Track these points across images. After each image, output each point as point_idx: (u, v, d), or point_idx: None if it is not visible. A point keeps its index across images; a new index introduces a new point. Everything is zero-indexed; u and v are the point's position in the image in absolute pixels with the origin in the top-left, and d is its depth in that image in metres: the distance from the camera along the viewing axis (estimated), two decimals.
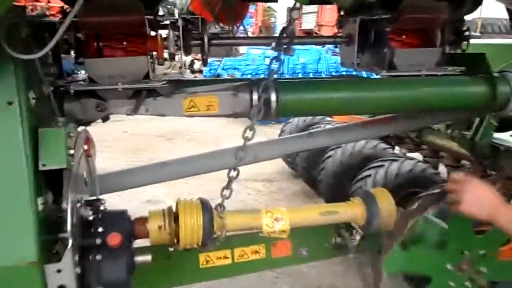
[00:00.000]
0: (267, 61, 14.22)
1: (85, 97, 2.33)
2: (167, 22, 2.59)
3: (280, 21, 31.79)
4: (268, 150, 2.94)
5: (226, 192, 2.33)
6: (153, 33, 2.52)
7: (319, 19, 25.45)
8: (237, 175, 2.32)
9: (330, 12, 24.94)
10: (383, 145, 5.31)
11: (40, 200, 1.80)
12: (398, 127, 3.25)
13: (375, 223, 2.51)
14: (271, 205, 6.33)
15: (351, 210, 2.49)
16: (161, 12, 2.81)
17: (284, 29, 2.15)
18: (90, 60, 2.23)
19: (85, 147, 2.34)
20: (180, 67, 2.57)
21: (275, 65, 2.16)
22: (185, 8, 4.84)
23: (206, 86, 2.49)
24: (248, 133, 2.24)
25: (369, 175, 4.72)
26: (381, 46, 2.66)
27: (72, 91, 2.23)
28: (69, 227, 1.77)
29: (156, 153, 9.06)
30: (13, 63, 1.73)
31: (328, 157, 5.44)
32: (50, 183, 1.89)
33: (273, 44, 2.13)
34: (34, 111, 1.86)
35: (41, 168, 1.79)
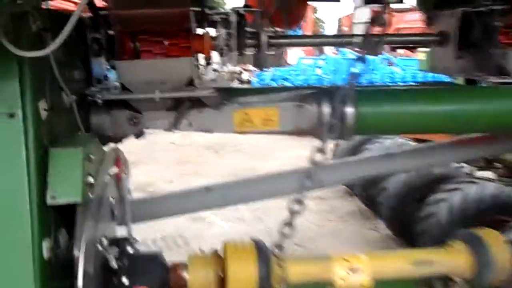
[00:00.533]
0: (319, 71, 13.71)
1: (116, 108, 1.91)
2: (217, 17, 2.12)
3: (328, 32, 31.16)
4: (338, 174, 2.39)
5: (287, 230, 1.80)
6: (199, 31, 2.07)
7: (371, 28, 24.59)
8: (303, 208, 1.79)
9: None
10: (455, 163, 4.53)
11: (46, 244, 1.36)
12: (499, 147, 2.59)
13: (487, 276, 1.87)
14: (323, 226, 5.75)
15: (451, 259, 1.87)
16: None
17: (374, 21, 1.60)
18: (122, 63, 1.80)
19: (115, 169, 1.91)
20: (233, 73, 2.09)
21: (358, 68, 1.62)
22: None
23: (263, 95, 1.99)
24: (318, 157, 1.71)
25: (443, 199, 3.96)
26: (488, 46, 2.05)
27: (100, 101, 1.80)
28: (79, 283, 1.31)
29: (202, 165, 8.72)
30: (17, 63, 1.31)
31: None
32: (65, 214, 1.46)
33: (355, 40, 1.59)
34: (45, 126, 1.43)
35: (49, 202, 1.35)
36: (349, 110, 1.77)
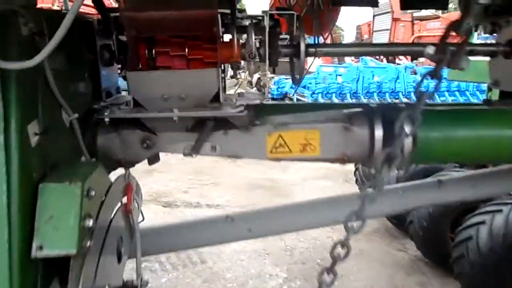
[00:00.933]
0: (340, 79, 13.32)
1: (127, 127, 1.61)
2: (246, 21, 1.82)
3: (347, 39, 30.70)
4: (385, 204, 2.03)
5: (328, 278, 1.47)
6: (226, 37, 1.76)
7: (392, 36, 24.16)
8: (347, 253, 1.46)
9: (405, 30, 23.59)
10: None
11: None
12: None
13: None
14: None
15: None
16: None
17: (454, 25, 1.25)
18: (135, 75, 1.50)
19: (124, 199, 1.61)
20: (263, 86, 1.78)
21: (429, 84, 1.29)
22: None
23: (301, 114, 1.67)
24: (368, 190, 1.37)
25: (483, 222, 3.55)
26: None
27: (107, 120, 1.51)
28: None
29: (219, 175, 8.43)
30: None
31: None
32: (57, 264, 1.15)
33: (428, 51, 1.25)
34: (35, 155, 1.14)
35: (35, 253, 1.05)
36: (410, 134, 1.43)
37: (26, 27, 1.14)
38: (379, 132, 1.54)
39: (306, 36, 1.95)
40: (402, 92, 13.13)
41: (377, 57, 23.29)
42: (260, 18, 1.72)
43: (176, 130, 1.59)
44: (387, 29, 24.41)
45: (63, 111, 1.35)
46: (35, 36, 1.16)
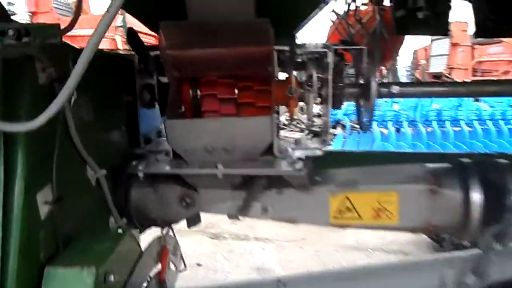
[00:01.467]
0: (396, 106, 12.69)
1: (164, 182, 1.37)
2: (305, 57, 1.56)
3: (401, 65, 29.71)
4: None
5: None
6: (281, 75, 1.51)
7: (450, 61, 23.09)
8: None
9: (464, 55, 22.48)
10: None
11: None
12: None
13: None
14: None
15: None
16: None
17: None
18: (174, 123, 1.27)
19: (159, 266, 1.36)
20: (324, 131, 1.50)
21: None
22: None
23: (373, 168, 1.36)
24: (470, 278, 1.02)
25: None
26: None
27: (140, 175, 1.28)
28: None
29: None
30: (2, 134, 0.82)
31: None
32: None
33: None
34: (45, 229, 0.91)
35: None
36: None
37: (44, 73, 0.94)
38: (477, 196, 1.19)
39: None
40: (464, 121, 12.29)
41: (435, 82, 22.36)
42: (323, 53, 1.45)
43: (220, 188, 1.33)
44: (445, 54, 23.41)
45: (87, 167, 1.14)
46: (54, 83, 0.96)
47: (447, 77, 23.01)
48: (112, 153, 1.34)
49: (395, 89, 1.52)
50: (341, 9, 3.20)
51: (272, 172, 1.23)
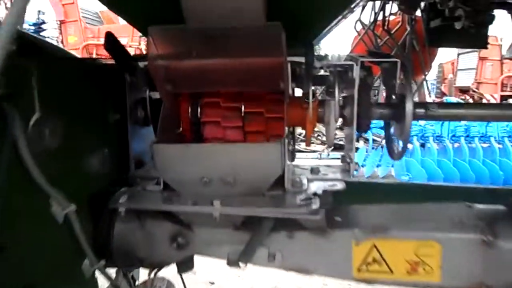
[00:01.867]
0: (422, 122, 12.26)
1: (153, 217, 1.15)
2: (326, 70, 1.32)
3: (430, 77, 28.96)
4: None
5: None
6: (297, 92, 1.28)
7: (478, 76, 22.40)
8: None
9: (493, 69, 21.76)
10: None
11: None
12: None
13: None
14: None
15: None
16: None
17: None
18: (163, 148, 1.04)
19: None
20: (348, 160, 1.25)
21: None
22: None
23: (408, 208, 1.10)
24: None
25: None
26: None
27: (121, 211, 1.06)
28: None
29: None
30: None
31: None
32: None
33: None
34: None
35: None
36: None
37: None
38: None
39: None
40: (494, 137, 11.75)
41: (462, 98, 21.74)
42: (347, 66, 1.21)
43: (219, 227, 1.09)
44: (472, 68, 22.75)
45: (54, 201, 0.92)
46: (3, 102, 0.75)
47: (474, 91, 22.32)
48: (91, 181, 1.12)
49: (433, 110, 1.26)
50: (367, 18, 2.96)
51: (280, 214, 0.99)
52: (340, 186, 1.15)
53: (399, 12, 2.91)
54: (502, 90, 21.46)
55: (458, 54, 23.48)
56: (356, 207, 1.18)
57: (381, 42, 2.87)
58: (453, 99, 15.09)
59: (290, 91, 1.14)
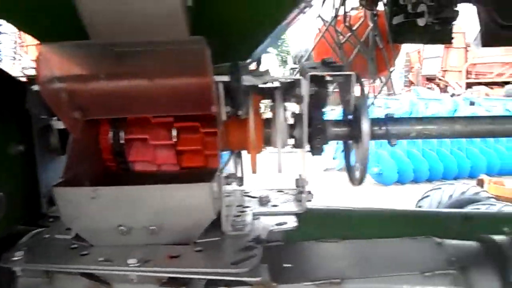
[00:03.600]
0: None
1: (64, 273, 0.94)
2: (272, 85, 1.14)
3: (398, 67, 29.28)
4: None
5: None
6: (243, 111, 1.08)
7: (444, 64, 22.83)
8: None
9: (458, 57, 22.19)
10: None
11: None
12: None
13: None
14: None
15: None
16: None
17: None
18: (67, 192, 0.84)
19: None
20: (301, 192, 1.08)
21: None
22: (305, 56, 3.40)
23: (369, 245, 0.94)
24: None
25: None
26: None
27: (17, 269, 0.85)
28: None
29: None
30: None
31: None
32: None
33: None
34: None
35: None
36: None
37: None
38: None
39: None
40: None
41: (429, 86, 22.09)
42: (295, 82, 1.03)
43: (142, 282, 0.90)
44: (438, 56, 23.15)
45: None
46: None
47: (440, 79, 22.73)
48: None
49: (396, 128, 1.10)
50: (329, 14, 2.80)
51: (210, 275, 0.80)
52: (291, 224, 0.98)
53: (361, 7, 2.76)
54: (467, 78, 21.98)
55: None
56: (309, 246, 1.01)
57: (344, 39, 2.72)
58: (420, 89, 15.26)
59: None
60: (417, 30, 2.27)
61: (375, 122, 1.10)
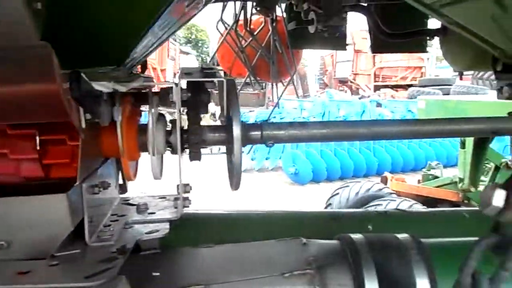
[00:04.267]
0: (305, 114, 12.87)
1: None
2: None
3: (311, 70, 30.64)
4: None
5: None
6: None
7: (355, 68, 24.31)
8: None
9: (366, 61, 23.74)
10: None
11: None
12: None
13: None
14: None
15: None
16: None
17: None
18: None
19: None
20: (179, 198, 1.06)
21: None
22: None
23: (239, 247, 0.95)
24: None
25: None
26: None
27: None
28: None
29: None
30: None
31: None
32: None
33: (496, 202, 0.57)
34: None
35: None
36: None
37: None
38: None
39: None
40: None
41: (341, 88, 23.34)
42: (168, 89, 1.02)
43: None
44: (349, 60, 24.57)
45: None
46: None
47: (352, 82, 24.17)
48: None
49: (270, 133, 1.13)
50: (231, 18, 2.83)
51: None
52: (162, 232, 0.96)
53: None
54: (375, 81, 23.61)
55: None
56: (185, 252, 1.00)
57: (246, 43, 2.77)
58: (333, 91, 16.07)
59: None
60: (311, 37, 2.38)
61: (250, 127, 1.13)
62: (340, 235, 0.95)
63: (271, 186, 8.97)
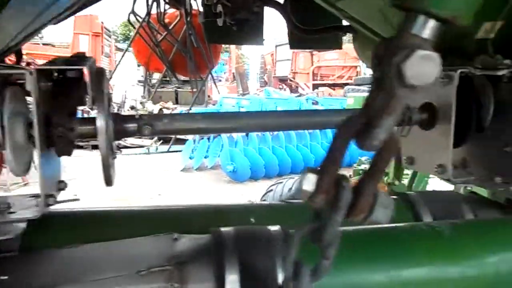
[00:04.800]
0: (243, 111, 12.87)
1: None
2: None
3: (252, 68, 30.83)
4: None
5: None
6: None
7: (293, 66, 24.70)
8: None
9: (305, 60, 24.21)
10: None
11: None
12: None
13: None
14: None
15: None
16: None
17: None
18: None
19: None
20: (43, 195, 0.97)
21: None
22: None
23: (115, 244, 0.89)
24: None
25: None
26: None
27: None
28: None
29: None
30: None
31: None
32: None
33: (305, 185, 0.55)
34: None
35: None
36: None
37: None
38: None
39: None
40: None
41: (280, 87, 23.66)
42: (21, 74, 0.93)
43: None
44: (288, 59, 24.93)
45: None
46: None
47: (291, 80, 24.57)
48: None
49: (147, 128, 1.07)
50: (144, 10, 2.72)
51: None
52: (13, 233, 0.87)
53: None
54: (313, 79, 24.16)
55: (276, 46, 25.45)
56: (46, 254, 0.92)
57: (160, 37, 2.68)
58: (271, 89, 16.26)
59: None
60: (225, 31, 2.34)
61: (127, 118, 1.07)
62: (212, 229, 0.91)
63: (209, 185, 8.90)
